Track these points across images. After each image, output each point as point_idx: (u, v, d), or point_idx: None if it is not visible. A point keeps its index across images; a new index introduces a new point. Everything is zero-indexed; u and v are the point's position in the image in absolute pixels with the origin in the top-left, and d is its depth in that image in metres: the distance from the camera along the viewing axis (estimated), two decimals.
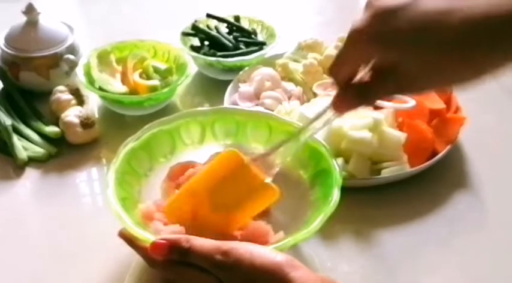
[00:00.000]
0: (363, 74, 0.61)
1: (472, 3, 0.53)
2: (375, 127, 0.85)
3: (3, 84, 1.04)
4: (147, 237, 0.62)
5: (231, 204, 0.66)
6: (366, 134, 0.85)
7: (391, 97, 0.67)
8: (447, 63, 0.55)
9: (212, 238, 0.59)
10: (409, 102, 0.88)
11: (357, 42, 0.58)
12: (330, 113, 0.64)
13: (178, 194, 0.69)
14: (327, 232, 0.79)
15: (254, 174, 0.66)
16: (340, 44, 1.05)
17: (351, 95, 0.61)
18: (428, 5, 0.54)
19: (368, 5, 0.57)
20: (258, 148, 0.78)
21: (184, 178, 0.73)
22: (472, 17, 0.52)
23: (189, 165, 0.75)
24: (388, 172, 0.85)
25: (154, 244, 0.59)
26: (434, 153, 0.88)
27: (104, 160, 0.94)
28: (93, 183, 0.92)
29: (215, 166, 0.69)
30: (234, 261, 0.56)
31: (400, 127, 0.89)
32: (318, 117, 0.66)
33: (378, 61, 0.59)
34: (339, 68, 0.61)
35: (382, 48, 0.57)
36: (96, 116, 0.99)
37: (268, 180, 0.67)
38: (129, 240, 0.65)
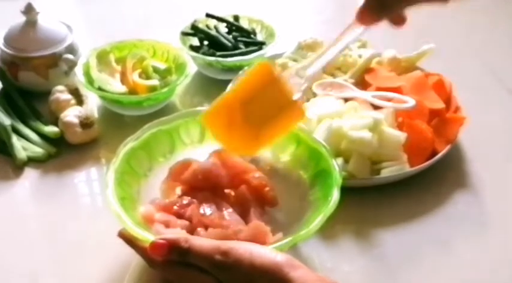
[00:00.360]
0: None
1: None
2: (374, 127, 0.85)
3: (2, 84, 1.04)
4: (146, 237, 0.62)
5: (261, 117, 0.68)
6: (366, 134, 0.84)
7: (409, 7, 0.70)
8: None
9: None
10: (408, 102, 0.88)
11: None
12: (356, 28, 0.67)
13: (216, 104, 0.71)
14: (327, 233, 0.79)
15: (284, 89, 0.68)
16: None
17: (372, 4, 0.64)
18: None
19: None
20: None
21: (189, 174, 0.73)
22: None
23: (189, 162, 0.75)
24: (388, 172, 0.84)
25: (154, 244, 0.60)
26: (434, 153, 0.88)
27: (103, 160, 0.94)
28: (92, 183, 0.92)
29: (248, 78, 0.70)
30: (233, 261, 0.56)
31: (400, 127, 0.89)
32: (345, 31, 0.69)
33: None
34: None
35: None
36: (96, 115, 0.98)
37: (297, 96, 0.68)
38: (129, 240, 0.65)
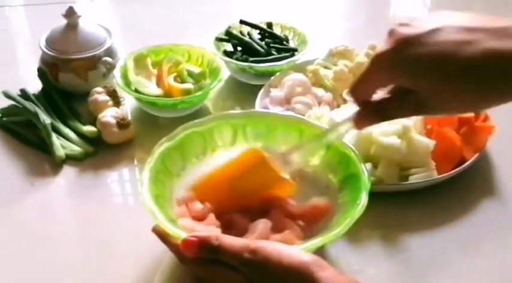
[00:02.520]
0: (382, 94, 0.64)
1: (491, 36, 0.55)
2: (403, 133, 0.86)
3: (43, 84, 1.07)
4: (178, 233, 0.64)
5: (248, 193, 0.71)
6: (395, 140, 0.85)
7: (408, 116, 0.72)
8: (463, 92, 0.56)
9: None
10: None
11: (380, 66, 0.60)
12: (349, 125, 0.68)
13: (205, 180, 0.74)
14: (354, 236, 0.80)
15: (272, 169, 0.70)
16: (371, 52, 1.06)
17: (369, 113, 0.64)
18: (449, 35, 0.56)
19: (391, 33, 0.60)
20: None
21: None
22: (491, 49, 0.54)
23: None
24: (416, 178, 0.85)
25: (185, 242, 0.61)
26: (462, 161, 0.88)
27: (137, 160, 0.96)
28: (126, 183, 0.94)
29: (238, 160, 0.73)
30: (262, 259, 0.58)
31: (428, 134, 0.89)
32: (339, 125, 0.70)
33: (398, 85, 0.62)
34: (359, 88, 0.64)
35: (402, 74, 0.59)
36: (129, 117, 1.00)
37: (286, 175, 0.70)
38: (162, 236, 0.67)
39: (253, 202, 0.72)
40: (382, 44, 0.61)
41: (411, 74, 0.58)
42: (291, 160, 0.73)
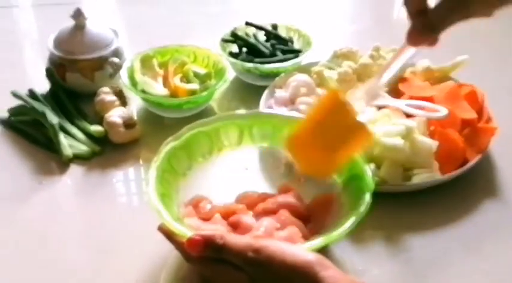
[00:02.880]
0: None
1: None
2: (407, 134, 0.87)
3: (51, 84, 1.07)
4: (184, 232, 0.64)
5: (333, 141, 0.69)
6: (398, 141, 0.86)
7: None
8: None
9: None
10: (441, 111, 0.90)
11: None
12: (408, 49, 0.67)
13: (295, 131, 0.73)
14: (358, 237, 0.80)
15: (350, 113, 0.69)
16: (375, 53, 1.07)
17: (420, 24, 0.63)
18: None
19: None
20: None
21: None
22: None
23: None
24: (419, 179, 0.86)
25: (190, 240, 0.61)
26: (465, 162, 0.89)
27: (143, 159, 0.97)
28: (133, 182, 0.95)
29: (317, 108, 0.72)
30: (265, 258, 0.58)
31: (431, 135, 0.90)
32: (398, 53, 0.69)
33: None
34: (409, 1, 0.63)
35: None
36: (135, 117, 1.01)
37: (361, 118, 0.70)
38: (168, 234, 0.67)
39: (337, 159, 0.71)
40: None
41: None
42: (374, 93, 0.72)
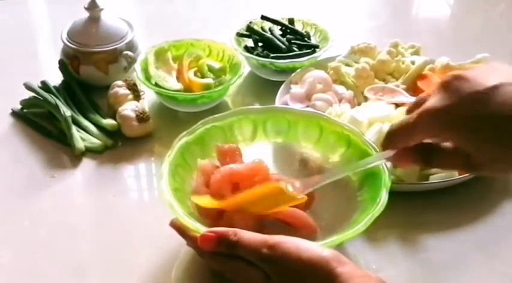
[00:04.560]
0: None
1: None
2: None
3: (64, 77, 1.07)
4: (197, 227, 0.64)
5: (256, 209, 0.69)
6: None
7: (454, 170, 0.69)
8: None
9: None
10: None
11: (431, 121, 0.59)
12: (382, 158, 0.67)
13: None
14: (373, 235, 0.80)
15: (289, 197, 0.68)
16: (393, 50, 1.06)
17: (415, 157, 0.63)
18: (509, 95, 0.55)
19: (446, 86, 0.58)
20: (308, 147, 0.79)
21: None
22: None
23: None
24: (437, 178, 0.85)
25: (204, 237, 0.61)
26: None
27: (156, 154, 0.96)
28: (145, 176, 0.95)
29: (255, 193, 0.70)
30: (280, 255, 0.57)
31: None
32: (369, 163, 0.69)
33: (446, 141, 0.61)
34: (399, 138, 0.63)
35: (458, 132, 0.58)
36: (148, 111, 1.00)
37: (300, 197, 0.69)
38: (180, 229, 0.66)
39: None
40: (433, 98, 0.59)
41: (469, 135, 0.57)
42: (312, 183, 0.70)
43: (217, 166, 0.74)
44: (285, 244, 0.58)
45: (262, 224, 0.69)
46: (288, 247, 0.58)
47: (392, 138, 0.64)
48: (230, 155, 0.75)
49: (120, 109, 0.97)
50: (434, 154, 0.63)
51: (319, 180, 0.70)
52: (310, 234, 0.68)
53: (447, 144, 0.63)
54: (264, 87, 1.10)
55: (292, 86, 1.03)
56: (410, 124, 0.61)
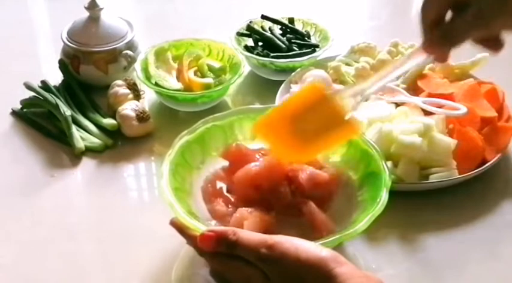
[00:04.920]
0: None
1: None
2: (425, 132, 0.86)
3: (64, 76, 1.07)
4: (196, 226, 0.64)
5: (310, 133, 0.68)
6: (416, 139, 0.85)
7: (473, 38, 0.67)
8: None
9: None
10: (460, 109, 0.88)
11: None
12: (421, 55, 0.66)
13: (267, 115, 0.72)
14: (372, 235, 0.79)
15: (335, 109, 0.68)
16: (393, 49, 1.06)
17: (436, 36, 0.63)
18: None
19: None
20: None
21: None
22: None
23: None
24: (437, 177, 0.85)
25: (203, 236, 0.61)
26: (484, 161, 0.87)
27: (155, 153, 0.96)
28: (145, 176, 0.95)
29: (299, 96, 0.71)
30: (279, 255, 0.57)
31: (450, 133, 0.89)
32: (409, 56, 0.67)
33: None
34: (426, 11, 0.63)
35: None
36: (148, 110, 1.00)
37: (350, 115, 0.68)
38: (180, 228, 0.66)
39: (314, 149, 0.70)
40: None
41: None
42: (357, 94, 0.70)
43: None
44: (284, 245, 0.58)
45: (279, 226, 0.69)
46: (286, 247, 0.57)
47: (421, 14, 0.64)
48: (240, 155, 0.75)
49: (120, 108, 0.97)
50: (450, 28, 0.63)
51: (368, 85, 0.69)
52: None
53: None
54: (264, 87, 1.10)
55: (292, 85, 1.03)
56: None
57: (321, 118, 0.68)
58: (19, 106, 1.04)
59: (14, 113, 1.03)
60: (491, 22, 0.61)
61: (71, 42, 1.06)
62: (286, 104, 0.72)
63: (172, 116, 1.03)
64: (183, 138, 0.75)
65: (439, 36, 0.63)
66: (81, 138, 0.95)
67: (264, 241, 0.58)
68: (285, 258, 0.57)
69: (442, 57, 0.66)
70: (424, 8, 0.64)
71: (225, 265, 0.61)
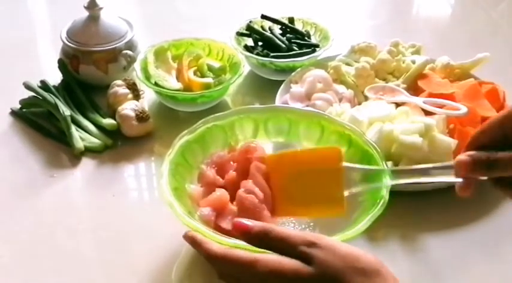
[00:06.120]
0: None
1: None
2: (425, 132, 0.85)
3: (64, 76, 1.07)
4: (196, 226, 0.64)
5: (299, 197, 0.69)
6: (417, 139, 0.85)
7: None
8: None
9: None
10: (461, 109, 0.88)
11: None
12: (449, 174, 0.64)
13: (279, 154, 0.73)
14: (373, 234, 0.80)
15: (339, 181, 0.68)
16: (394, 49, 1.05)
17: (480, 165, 0.60)
18: None
19: None
20: (309, 146, 0.79)
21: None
22: None
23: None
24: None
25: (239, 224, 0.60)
26: None
27: (156, 153, 0.96)
28: (145, 176, 0.94)
29: (313, 152, 0.71)
30: (326, 242, 0.56)
31: (451, 133, 0.88)
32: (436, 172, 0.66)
33: None
34: (482, 135, 0.61)
35: None
36: (147, 110, 1.00)
37: (346, 193, 0.68)
38: (194, 242, 0.65)
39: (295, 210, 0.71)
40: None
41: None
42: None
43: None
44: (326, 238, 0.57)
45: None
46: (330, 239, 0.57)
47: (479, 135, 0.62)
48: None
49: (119, 108, 0.97)
50: (499, 161, 0.59)
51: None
52: None
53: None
54: (264, 87, 1.10)
55: (292, 85, 1.03)
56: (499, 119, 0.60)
57: (320, 185, 0.69)
58: (18, 106, 1.04)
59: (14, 113, 1.03)
60: None
61: (70, 42, 1.06)
62: (303, 153, 0.73)
63: (172, 116, 1.03)
64: (183, 138, 0.75)
65: (483, 161, 0.60)
66: (80, 138, 0.95)
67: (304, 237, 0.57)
68: (336, 245, 0.56)
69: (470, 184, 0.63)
70: (482, 131, 0.62)
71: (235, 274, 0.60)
